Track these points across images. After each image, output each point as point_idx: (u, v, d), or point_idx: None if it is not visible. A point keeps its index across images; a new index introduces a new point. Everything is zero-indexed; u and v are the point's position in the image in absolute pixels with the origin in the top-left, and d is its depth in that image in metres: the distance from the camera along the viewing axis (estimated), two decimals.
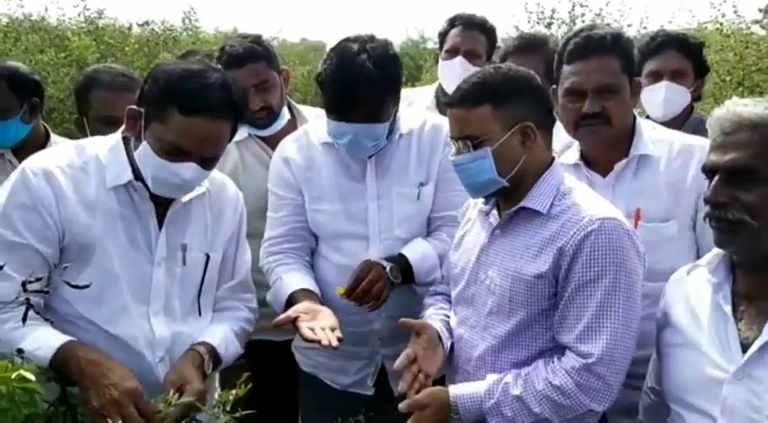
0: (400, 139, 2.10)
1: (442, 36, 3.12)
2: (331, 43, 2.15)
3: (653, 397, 1.68)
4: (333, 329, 1.76)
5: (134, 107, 1.64)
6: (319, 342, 1.71)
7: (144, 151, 1.63)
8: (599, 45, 1.93)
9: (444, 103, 1.80)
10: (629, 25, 8.62)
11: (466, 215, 1.93)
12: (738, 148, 1.38)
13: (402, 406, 1.67)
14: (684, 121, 2.74)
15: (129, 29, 9.50)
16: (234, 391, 1.53)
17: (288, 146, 2.16)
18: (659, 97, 2.73)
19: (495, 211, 1.79)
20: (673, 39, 2.81)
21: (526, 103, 1.69)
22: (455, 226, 2.09)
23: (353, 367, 2.14)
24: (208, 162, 1.66)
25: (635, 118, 2.04)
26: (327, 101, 1.98)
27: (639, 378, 1.74)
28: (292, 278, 2.03)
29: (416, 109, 2.64)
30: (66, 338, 1.55)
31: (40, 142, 2.62)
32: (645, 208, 1.94)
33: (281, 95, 2.51)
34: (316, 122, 2.21)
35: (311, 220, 2.12)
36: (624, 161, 1.99)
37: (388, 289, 1.98)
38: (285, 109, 2.55)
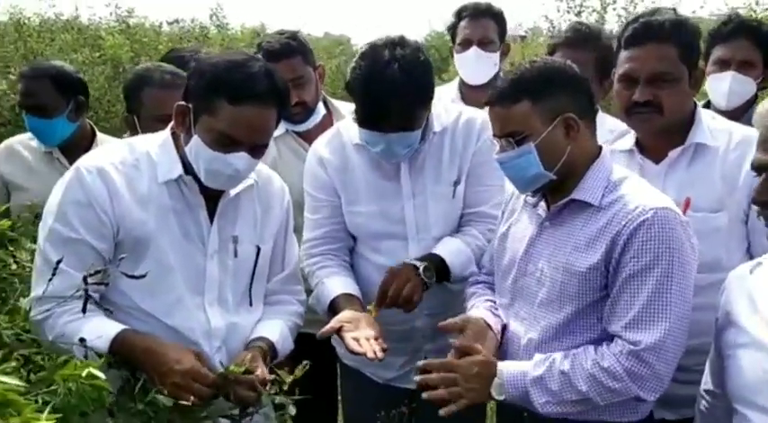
0: (434, 136, 2.09)
1: (452, 29, 3.13)
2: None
3: (711, 400, 1.63)
4: (376, 339, 1.78)
5: (182, 103, 1.67)
6: (365, 354, 1.73)
7: (195, 145, 1.66)
8: (657, 32, 1.89)
9: (484, 103, 1.78)
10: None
11: (509, 206, 1.92)
12: None
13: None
14: (745, 111, 2.67)
15: (160, 27, 9.61)
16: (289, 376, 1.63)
17: (322, 147, 2.17)
18: (724, 87, 2.67)
19: (542, 203, 1.78)
20: (744, 26, 2.73)
21: (566, 94, 1.68)
22: (484, 222, 2.11)
23: (397, 362, 2.15)
24: (257, 150, 1.69)
25: (695, 105, 2.00)
26: (358, 112, 1.97)
27: (684, 370, 1.71)
28: (334, 282, 2.05)
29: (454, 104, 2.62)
30: (121, 327, 1.60)
31: (87, 140, 2.68)
32: (695, 197, 1.90)
33: (316, 91, 2.52)
34: (347, 122, 2.20)
35: (349, 222, 2.14)
36: (680, 149, 1.95)
37: (421, 290, 1.97)
38: (321, 104, 2.56)
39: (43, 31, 7.60)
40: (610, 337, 1.66)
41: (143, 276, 1.53)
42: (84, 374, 0.96)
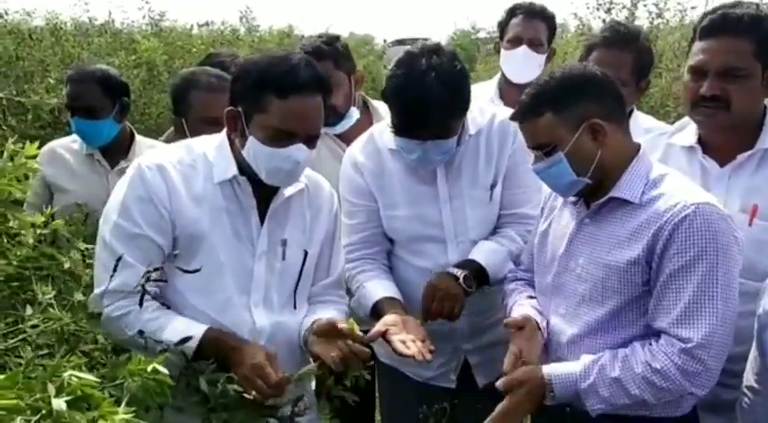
0: (469, 139, 2.10)
1: (503, 26, 3.13)
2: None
3: (752, 396, 1.63)
4: (423, 341, 1.81)
5: (232, 108, 1.72)
6: (413, 357, 1.75)
7: (252, 146, 1.69)
8: (734, 25, 1.84)
9: (510, 119, 1.80)
10: (692, 7, 8.27)
11: (548, 204, 1.94)
12: None
13: (500, 384, 1.71)
14: None
15: (191, 29, 9.71)
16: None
17: (357, 152, 2.18)
18: None
19: (581, 201, 1.79)
20: None
21: (588, 100, 1.69)
22: (521, 223, 2.12)
23: (436, 362, 2.15)
24: (311, 141, 1.73)
25: (766, 108, 1.94)
26: (394, 120, 1.98)
27: (731, 375, 1.71)
28: (375, 286, 2.07)
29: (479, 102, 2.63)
30: (205, 327, 1.66)
31: (127, 142, 2.74)
32: (763, 205, 1.85)
33: (347, 96, 2.54)
34: (381, 126, 2.21)
35: (387, 226, 2.16)
36: (747, 153, 1.91)
37: (461, 300, 1.99)
38: (353, 109, 2.57)
39: (79, 35, 7.73)
40: (653, 332, 1.66)
41: (197, 270, 1.59)
42: (149, 369, 1.01)
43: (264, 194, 1.78)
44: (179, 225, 1.70)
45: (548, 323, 1.85)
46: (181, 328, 1.63)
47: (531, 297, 1.93)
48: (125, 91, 2.70)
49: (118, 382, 1.03)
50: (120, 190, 1.72)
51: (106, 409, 0.84)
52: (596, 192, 1.74)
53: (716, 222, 1.60)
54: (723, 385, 1.74)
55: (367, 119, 2.62)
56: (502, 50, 3.10)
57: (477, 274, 2.05)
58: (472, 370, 2.19)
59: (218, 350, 1.65)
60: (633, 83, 2.44)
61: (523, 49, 3.00)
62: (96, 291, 1.63)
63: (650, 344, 1.64)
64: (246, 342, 1.70)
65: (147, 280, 1.42)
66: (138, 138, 2.78)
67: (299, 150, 1.69)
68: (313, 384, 1.88)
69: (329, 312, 1.86)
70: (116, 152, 2.70)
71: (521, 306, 1.89)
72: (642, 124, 2.55)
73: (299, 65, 1.67)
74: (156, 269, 1.46)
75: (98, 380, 0.90)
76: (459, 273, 2.01)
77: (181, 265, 1.61)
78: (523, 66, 3.02)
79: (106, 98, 2.61)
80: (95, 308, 1.60)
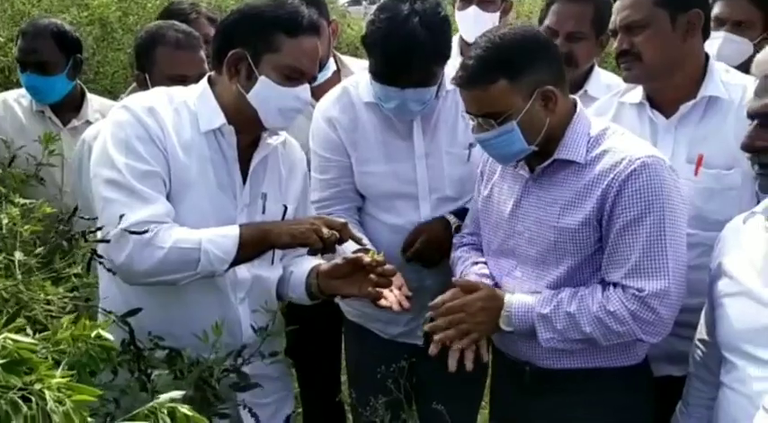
0: (447, 94, 2.07)
1: None
2: None
3: (704, 349, 1.67)
4: (399, 288, 1.80)
5: (235, 51, 1.68)
6: (390, 308, 1.74)
7: (263, 87, 1.68)
8: None
9: (454, 84, 1.74)
10: None
11: (488, 167, 1.91)
12: None
13: (457, 281, 1.75)
14: (745, 72, 2.62)
15: None
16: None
17: (330, 106, 2.14)
18: (713, 47, 2.55)
19: (523, 163, 1.76)
20: None
21: (540, 65, 1.65)
22: None
23: (403, 319, 2.16)
24: (312, 81, 1.76)
25: (707, 58, 1.96)
26: (375, 66, 1.95)
27: (686, 327, 1.74)
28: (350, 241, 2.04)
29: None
30: (234, 225, 1.68)
31: (78, 100, 2.66)
32: (708, 154, 1.88)
33: (327, 45, 2.49)
34: (354, 79, 2.18)
35: (359, 182, 2.12)
36: (691, 103, 1.92)
37: (445, 249, 1.98)
38: (331, 60, 2.53)
39: None
40: (608, 285, 1.68)
41: (145, 232, 1.56)
42: (93, 334, 0.97)
43: (243, 148, 1.76)
44: (172, 169, 1.67)
45: (497, 286, 1.84)
46: (214, 230, 1.64)
47: (479, 262, 1.91)
48: (78, 47, 2.62)
49: (62, 347, 0.99)
50: (115, 133, 1.65)
51: (44, 373, 0.80)
52: (539, 154, 1.72)
53: (660, 174, 1.61)
54: (679, 336, 1.78)
55: (337, 75, 2.57)
56: (456, 11, 3.04)
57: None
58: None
59: (260, 227, 1.69)
60: (593, 37, 2.43)
61: (473, 8, 2.95)
62: (119, 227, 1.56)
63: (608, 289, 1.66)
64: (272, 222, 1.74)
65: None
66: (89, 96, 2.71)
67: (305, 90, 1.73)
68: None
69: (313, 262, 1.86)
70: (67, 110, 2.63)
71: (466, 276, 1.87)
72: (603, 81, 2.55)
73: (300, 6, 1.70)
74: None
75: (35, 342, 0.86)
76: (454, 221, 1.99)
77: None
78: (475, 26, 2.95)
79: (60, 54, 2.54)
80: (117, 247, 1.56)
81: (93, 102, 2.67)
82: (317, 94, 2.33)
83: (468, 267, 1.90)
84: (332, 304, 2.32)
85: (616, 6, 1.96)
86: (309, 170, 2.11)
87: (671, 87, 1.95)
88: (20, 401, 0.79)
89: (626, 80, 2.00)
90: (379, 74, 1.95)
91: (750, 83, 1.91)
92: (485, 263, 1.90)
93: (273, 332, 1.71)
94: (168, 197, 1.65)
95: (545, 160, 1.71)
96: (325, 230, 1.64)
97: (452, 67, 2.11)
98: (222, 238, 1.63)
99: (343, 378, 2.81)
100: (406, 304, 1.78)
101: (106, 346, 0.99)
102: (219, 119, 1.72)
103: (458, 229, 2.01)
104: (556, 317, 1.65)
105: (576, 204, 1.67)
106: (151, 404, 0.85)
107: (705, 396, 1.65)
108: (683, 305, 1.72)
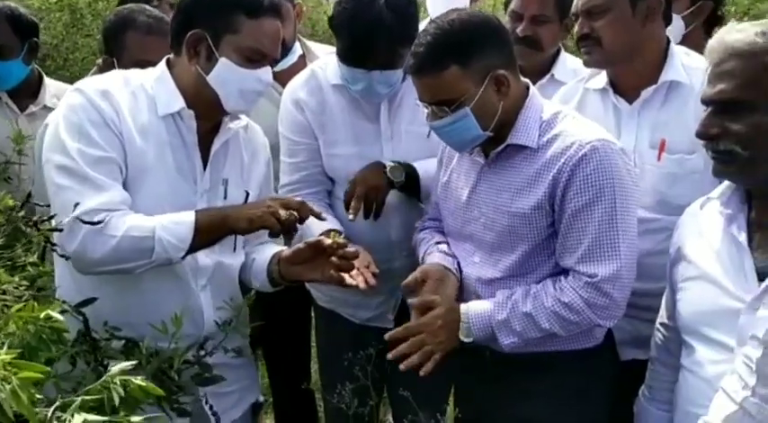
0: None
1: None
2: None
3: (665, 333, 1.68)
4: (368, 266, 1.79)
5: (194, 32, 1.64)
6: (357, 287, 1.74)
7: (224, 69, 1.64)
8: None
9: (407, 72, 1.74)
10: None
11: (446, 154, 1.91)
12: (725, 79, 1.35)
13: (413, 302, 1.73)
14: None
15: None
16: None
17: (298, 89, 2.12)
18: None
19: (478, 150, 1.76)
20: None
21: (491, 49, 1.64)
22: None
23: (373, 302, 2.16)
24: (274, 64, 1.74)
25: (668, 42, 1.97)
26: (342, 48, 1.93)
27: (651, 311, 1.75)
28: (317, 224, 2.00)
29: None
30: (190, 211, 1.64)
31: (35, 86, 2.60)
32: (671, 138, 1.89)
33: (293, 29, 2.46)
34: (322, 62, 2.16)
35: (327, 165, 2.11)
36: (652, 88, 1.93)
37: (383, 191, 1.98)
38: (297, 44, 2.51)
39: None
40: (562, 270, 1.69)
41: (100, 223, 1.52)
42: (42, 316, 0.94)
43: (203, 133, 1.73)
44: (128, 154, 1.63)
45: (459, 265, 1.84)
46: (169, 217, 1.60)
47: (442, 242, 1.91)
48: (35, 31, 2.54)
49: (11, 331, 0.96)
50: (68, 117, 1.61)
51: None
52: (494, 140, 1.72)
53: (611, 158, 1.62)
54: (644, 320, 1.80)
55: (302, 60, 2.55)
56: None
57: (410, 175, 2.02)
58: (410, 310, 2.18)
59: (217, 212, 1.65)
60: (557, 20, 2.44)
61: None
62: (72, 215, 1.52)
63: (559, 280, 1.67)
64: (233, 207, 1.70)
65: None
66: (47, 80, 2.64)
67: (267, 72, 1.70)
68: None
69: (275, 249, 1.85)
70: (24, 95, 2.57)
71: (431, 256, 1.86)
72: (570, 65, 2.55)
73: None
74: None
75: None
76: (388, 164, 1.98)
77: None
78: (447, 6, 2.96)
79: (15, 38, 2.46)
80: (70, 236, 1.52)
81: (51, 86, 2.61)
82: (283, 78, 2.31)
83: (432, 246, 1.90)
84: (299, 291, 2.31)
85: None
86: (276, 155, 2.09)
87: (632, 72, 1.96)
88: None
89: (586, 64, 2.01)
90: (345, 56, 1.94)
91: None
92: (447, 243, 1.90)
93: (237, 327, 1.69)
94: (125, 183, 1.62)
95: (499, 145, 1.71)
96: (282, 212, 1.61)
97: None
98: (177, 224, 1.59)
99: (314, 366, 2.80)
100: (372, 281, 1.77)
101: (57, 328, 0.97)
102: (178, 102, 1.68)
103: (393, 170, 1.98)
104: (514, 319, 1.66)
105: (528, 189, 1.67)
106: (103, 378, 0.83)
107: (667, 379, 1.67)
108: (648, 290, 1.75)
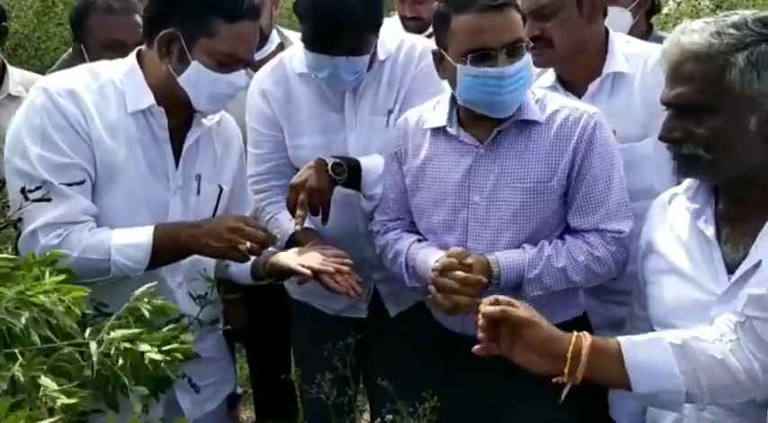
0: (378, 65, 2.05)
1: None
2: None
3: (637, 324, 1.69)
4: (349, 274, 1.80)
5: (169, 31, 1.60)
6: (346, 293, 1.77)
7: (195, 72, 1.62)
8: None
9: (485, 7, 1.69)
10: None
11: (410, 143, 1.88)
12: (684, 82, 1.35)
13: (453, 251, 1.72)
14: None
15: None
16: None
17: (264, 79, 2.11)
18: None
19: (466, 133, 1.78)
20: None
21: None
22: None
23: None
24: (248, 67, 1.72)
25: (607, 34, 2.01)
26: (307, 33, 1.92)
27: (626, 294, 1.78)
28: (287, 216, 2.02)
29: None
30: (149, 229, 1.61)
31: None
32: (621, 128, 1.91)
33: (269, 17, 2.45)
34: (290, 51, 2.15)
35: (292, 156, 2.10)
36: (598, 81, 1.98)
37: (326, 192, 1.94)
38: (275, 33, 2.49)
39: None
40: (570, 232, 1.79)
41: (81, 183, 1.53)
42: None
43: (175, 128, 1.70)
44: (97, 154, 1.59)
45: None
46: (127, 233, 1.57)
47: (421, 240, 1.89)
48: (2, 15, 2.48)
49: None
50: (30, 118, 1.57)
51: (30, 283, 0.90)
52: (487, 119, 1.75)
53: (607, 127, 1.77)
54: (617, 303, 1.85)
55: (280, 49, 2.53)
56: None
57: (353, 169, 1.99)
58: (383, 299, 2.18)
59: (177, 239, 1.61)
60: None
61: None
62: (29, 227, 1.51)
63: (583, 236, 1.76)
64: (193, 223, 1.67)
65: (26, 199, 1.40)
66: (10, 68, 2.56)
67: (240, 76, 1.68)
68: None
69: None
70: None
71: (422, 250, 1.83)
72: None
73: None
74: (37, 188, 1.42)
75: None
76: (329, 160, 1.96)
77: (99, 197, 1.56)
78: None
79: None
80: (27, 248, 1.49)
81: (15, 74, 2.54)
82: (260, 68, 2.30)
83: (415, 245, 1.87)
84: (279, 286, 2.30)
85: None
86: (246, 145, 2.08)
87: (578, 67, 1.99)
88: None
89: (536, 65, 1.98)
90: (310, 42, 1.92)
91: (651, 51, 1.96)
92: (425, 239, 1.89)
93: (213, 301, 1.70)
94: (95, 185, 1.59)
95: (498, 125, 1.74)
96: (243, 247, 1.59)
97: (390, 36, 2.10)
98: (133, 247, 1.57)
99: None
100: (359, 290, 1.79)
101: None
102: (148, 99, 1.65)
103: (334, 167, 1.94)
104: (546, 274, 1.72)
105: (545, 162, 1.73)
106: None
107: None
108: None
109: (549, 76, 2.07)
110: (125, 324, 1.25)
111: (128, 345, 1.17)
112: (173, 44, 1.61)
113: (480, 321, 1.30)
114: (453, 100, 1.82)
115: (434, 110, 1.86)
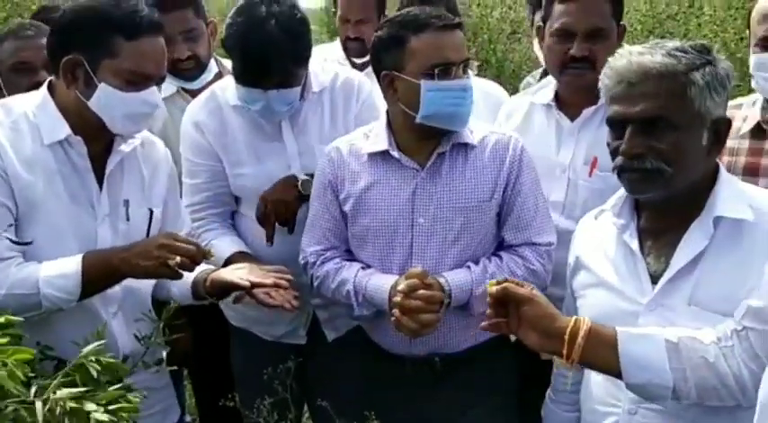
0: (313, 96, 2.09)
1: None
2: None
3: None
4: (286, 288, 1.79)
5: (70, 57, 1.58)
6: (282, 306, 1.76)
7: (104, 94, 1.59)
8: None
9: (444, 26, 1.76)
10: None
11: (346, 169, 1.91)
12: (647, 98, 1.40)
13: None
14: None
15: None
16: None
17: (198, 110, 2.12)
18: None
19: (407, 158, 1.84)
20: None
21: None
22: None
23: (286, 319, 2.15)
24: (160, 82, 1.68)
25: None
26: (237, 69, 1.95)
27: (561, 301, 1.79)
28: (224, 243, 2.04)
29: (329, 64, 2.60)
30: (78, 258, 1.59)
31: None
32: (603, 157, 1.89)
33: (208, 46, 2.45)
34: (222, 83, 2.16)
35: (234, 185, 2.11)
36: (593, 108, 2.01)
37: (294, 205, 2.01)
38: (213, 62, 2.50)
39: None
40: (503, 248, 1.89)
41: (29, 243, 1.51)
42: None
43: (95, 155, 1.68)
44: (16, 191, 1.57)
45: None
46: (55, 264, 1.57)
47: (365, 268, 1.91)
48: None
49: None
50: None
51: None
52: (429, 143, 1.83)
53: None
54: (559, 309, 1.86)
55: (217, 79, 2.52)
56: None
57: None
58: (321, 325, 2.20)
59: (107, 264, 1.60)
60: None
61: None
62: None
63: (516, 251, 1.86)
64: (124, 247, 1.65)
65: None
66: None
67: (153, 93, 1.65)
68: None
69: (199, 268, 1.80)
70: None
71: (372, 277, 1.86)
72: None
73: (138, 5, 1.61)
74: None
75: None
76: (301, 177, 2.00)
77: (22, 232, 1.53)
78: None
79: None
80: None
81: None
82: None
83: (361, 272, 1.88)
84: (219, 312, 2.30)
85: (568, 9, 1.94)
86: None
87: (581, 91, 1.99)
88: None
89: (571, 85, 2.01)
90: (240, 77, 1.95)
91: None
92: (368, 266, 1.91)
93: (156, 342, 1.67)
94: (17, 220, 1.57)
95: (434, 149, 1.83)
96: (172, 262, 1.58)
97: (322, 70, 2.14)
98: (62, 278, 1.55)
99: None
100: (295, 303, 1.79)
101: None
102: (64, 129, 1.63)
103: (303, 184, 2.01)
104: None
105: (482, 182, 1.83)
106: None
107: (570, 381, 1.74)
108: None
109: (548, 92, 2.10)
110: (71, 382, 1.25)
111: (74, 404, 1.17)
112: (77, 69, 1.59)
113: (488, 299, 1.40)
114: (390, 126, 1.87)
115: (367, 138, 1.91)
